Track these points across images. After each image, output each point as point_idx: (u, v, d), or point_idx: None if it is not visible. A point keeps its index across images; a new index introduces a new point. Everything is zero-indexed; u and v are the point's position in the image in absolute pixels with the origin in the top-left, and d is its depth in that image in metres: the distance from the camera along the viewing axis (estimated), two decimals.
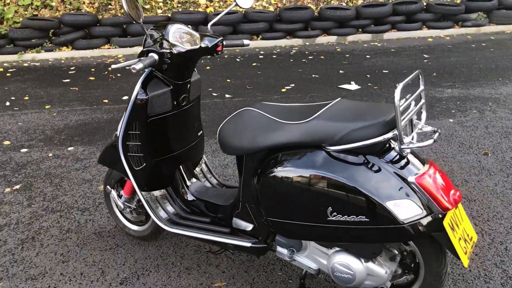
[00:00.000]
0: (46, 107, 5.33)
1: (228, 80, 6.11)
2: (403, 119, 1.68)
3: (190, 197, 2.35)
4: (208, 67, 6.92)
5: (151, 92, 2.10)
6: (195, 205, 2.33)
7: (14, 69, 7.39)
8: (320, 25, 8.54)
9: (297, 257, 2.01)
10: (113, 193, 2.47)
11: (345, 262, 1.84)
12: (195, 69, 2.34)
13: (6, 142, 4.30)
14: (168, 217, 2.29)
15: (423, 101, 1.83)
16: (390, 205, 1.66)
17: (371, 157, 1.73)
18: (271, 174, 1.83)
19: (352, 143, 1.70)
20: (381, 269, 1.82)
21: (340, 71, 6.32)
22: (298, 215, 1.80)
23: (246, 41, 2.42)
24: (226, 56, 7.67)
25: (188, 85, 2.26)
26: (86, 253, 2.57)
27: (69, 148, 4.09)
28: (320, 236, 1.80)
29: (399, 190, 1.67)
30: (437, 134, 1.76)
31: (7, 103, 5.54)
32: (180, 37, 2.10)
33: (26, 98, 5.73)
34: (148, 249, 2.57)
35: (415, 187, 1.67)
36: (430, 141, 1.67)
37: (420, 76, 1.78)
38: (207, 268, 2.40)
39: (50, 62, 7.79)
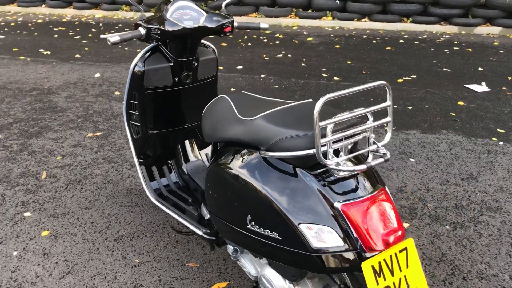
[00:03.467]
0: None
1: (348, 62, 5.83)
2: (348, 137, 1.45)
3: (184, 173, 2.38)
4: (337, 46, 6.68)
5: (149, 66, 2.14)
6: (186, 180, 2.34)
7: None
8: (483, 13, 7.53)
9: (241, 259, 1.91)
10: None
11: (269, 277, 1.69)
12: (212, 48, 2.32)
13: (117, 93, 4.80)
14: (158, 188, 2.35)
15: (388, 118, 1.54)
16: (304, 228, 1.46)
17: (302, 171, 1.53)
18: (212, 167, 1.76)
19: (283, 151, 1.53)
20: None
21: (479, 68, 5.55)
22: (226, 214, 1.70)
23: (263, 24, 2.30)
24: (365, 36, 7.29)
25: (195, 64, 2.24)
26: (107, 205, 2.79)
27: None
28: (242, 243, 1.68)
29: (319, 214, 1.46)
30: (378, 160, 1.48)
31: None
32: (181, 14, 2.08)
33: None
34: (157, 215, 2.68)
35: (339, 215, 1.45)
36: (362, 167, 1.42)
37: (387, 89, 1.50)
38: (194, 247, 2.42)
39: None
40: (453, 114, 4.12)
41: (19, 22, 8.82)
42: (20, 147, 3.57)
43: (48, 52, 6.48)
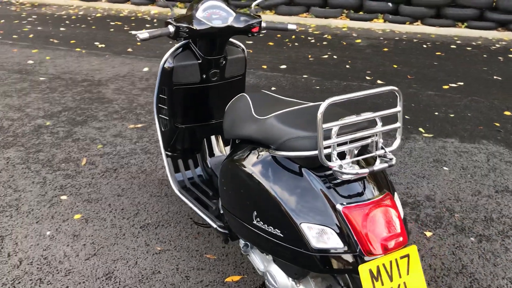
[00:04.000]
0: None
1: (395, 66, 5.74)
2: (354, 140, 1.47)
3: (208, 167, 2.45)
4: (386, 49, 6.58)
5: (178, 62, 2.23)
6: (209, 174, 2.42)
7: None
8: None
9: (251, 254, 1.96)
10: None
11: (274, 273, 1.74)
12: (242, 48, 2.38)
13: None
14: (182, 181, 2.44)
15: (398, 124, 1.54)
16: (305, 227, 1.50)
17: (307, 172, 1.56)
18: (225, 162, 1.82)
19: (291, 151, 1.57)
20: None
21: None
22: (235, 209, 1.76)
23: (291, 26, 2.33)
24: (415, 40, 7.13)
25: (223, 62, 2.31)
26: (138, 194, 2.92)
27: None
28: (249, 238, 1.73)
29: (321, 214, 1.49)
30: (382, 165, 1.48)
31: None
32: (211, 13, 2.15)
33: None
34: (183, 206, 2.78)
35: (340, 217, 1.47)
36: (364, 171, 1.44)
37: (398, 95, 1.50)
38: (213, 239, 2.49)
39: None
40: (497, 124, 3.99)
41: (79, 16, 9.25)
42: (65, 134, 3.77)
43: (103, 45, 6.77)
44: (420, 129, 3.88)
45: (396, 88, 1.46)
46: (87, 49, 6.56)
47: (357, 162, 1.57)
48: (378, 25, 7.94)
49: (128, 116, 4.16)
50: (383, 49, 6.56)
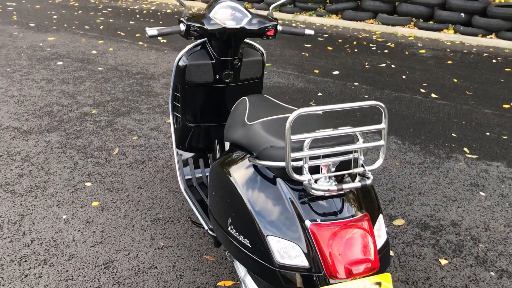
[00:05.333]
0: (267, 64, 5.86)
1: (455, 80, 5.44)
2: (330, 155, 1.40)
3: None
4: (449, 61, 6.25)
5: (191, 61, 2.23)
6: None
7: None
8: None
9: (236, 261, 1.92)
10: None
11: (248, 284, 1.69)
12: (261, 51, 2.34)
13: None
14: (190, 179, 2.44)
15: (382, 142, 1.44)
16: (271, 240, 1.45)
17: (282, 183, 1.51)
18: (213, 165, 1.80)
19: (268, 159, 1.53)
20: None
21: None
22: (216, 213, 1.73)
23: (308, 31, 2.26)
24: (485, 53, 6.71)
25: (239, 64, 2.28)
26: (158, 187, 2.96)
27: None
28: (225, 244, 1.70)
29: (289, 229, 1.43)
30: (352, 184, 1.39)
31: None
32: (226, 14, 2.13)
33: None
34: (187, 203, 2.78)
35: (308, 234, 1.41)
36: (333, 188, 1.36)
37: (382, 111, 1.41)
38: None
39: (313, 27, 8.33)
40: None
41: (151, 11, 9.59)
42: (107, 123, 3.92)
43: (164, 41, 6.97)
44: (465, 149, 3.64)
45: (380, 104, 1.37)
46: (149, 43, 6.77)
47: (337, 178, 1.49)
48: (448, 36, 7.56)
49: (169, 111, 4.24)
50: (446, 62, 6.23)
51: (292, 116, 1.29)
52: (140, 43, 6.79)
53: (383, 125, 1.41)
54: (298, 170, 1.41)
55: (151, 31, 2.01)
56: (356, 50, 6.72)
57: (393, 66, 5.96)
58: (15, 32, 7.11)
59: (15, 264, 2.26)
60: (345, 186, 1.36)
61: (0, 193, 2.84)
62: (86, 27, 7.71)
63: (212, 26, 2.07)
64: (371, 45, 7.07)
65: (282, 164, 1.42)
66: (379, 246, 1.49)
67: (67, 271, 2.23)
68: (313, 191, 1.37)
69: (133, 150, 3.46)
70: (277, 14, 9.04)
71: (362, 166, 1.44)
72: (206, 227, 2.05)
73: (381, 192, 2.97)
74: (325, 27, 8.30)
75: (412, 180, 3.14)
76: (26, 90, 4.64)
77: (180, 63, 2.24)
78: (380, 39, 7.49)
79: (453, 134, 3.90)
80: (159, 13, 9.29)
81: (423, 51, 6.82)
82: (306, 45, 6.87)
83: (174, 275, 2.22)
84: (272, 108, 1.85)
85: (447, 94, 4.91)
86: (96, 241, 2.44)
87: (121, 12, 9.27)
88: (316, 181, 1.43)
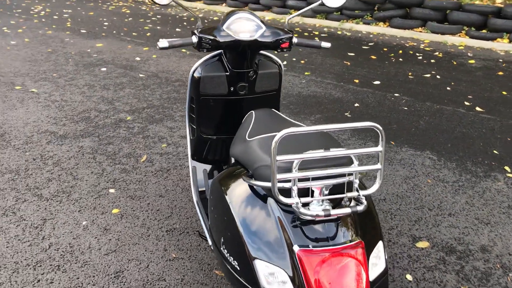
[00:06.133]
0: (306, 73, 5.79)
1: (504, 93, 5.15)
2: (325, 177, 1.33)
3: None
4: (501, 73, 5.93)
5: (206, 72, 2.21)
6: None
7: (324, 34, 8.11)
8: None
9: None
10: None
11: None
12: (279, 64, 2.29)
13: None
14: (204, 191, 2.42)
15: (378, 166, 1.35)
16: (258, 264, 1.39)
17: (274, 205, 1.45)
18: (213, 180, 1.76)
19: (260, 179, 1.47)
20: None
21: None
22: (213, 230, 1.70)
23: (324, 44, 2.18)
24: None
25: (254, 76, 2.24)
26: (179, 197, 2.96)
27: None
28: (218, 264, 1.65)
29: (276, 253, 1.38)
30: (342, 210, 1.31)
31: (284, 62, 6.26)
32: (240, 26, 2.09)
33: (302, 62, 6.32)
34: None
35: (295, 260, 1.34)
36: (320, 213, 1.29)
37: (380, 133, 1.32)
38: None
39: (359, 34, 8.16)
40: None
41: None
42: (139, 130, 3.98)
43: None
44: (506, 167, 3.42)
45: (376, 125, 1.28)
46: (192, 50, 6.86)
47: (334, 202, 1.42)
48: (502, 45, 7.18)
49: None
50: (497, 73, 5.91)
51: (278, 136, 1.23)
52: (183, 50, 6.88)
53: (380, 148, 1.32)
54: (289, 192, 1.35)
55: (162, 42, 2.00)
56: (401, 59, 6.52)
57: (438, 76, 5.72)
58: (66, 38, 7.40)
59: (30, 269, 2.31)
60: (333, 212, 1.29)
61: (28, 197, 2.93)
62: (133, 33, 7.92)
63: (225, 38, 2.03)
64: (417, 54, 6.83)
65: (266, 184, 1.36)
66: (374, 275, 1.40)
67: (78, 278, 2.25)
68: (301, 215, 1.30)
69: (160, 157, 3.49)
70: (323, 22, 8.93)
71: (357, 190, 1.36)
72: (210, 242, 2.02)
73: (408, 211, 2.83)
74: (371, 35, 8.11)
75: (443, 200, 2.97)
76: (68, 95, 4.80)
77: (195, 74, 2.22)
78: (427, 48, 7.23)
79: (494, 151, 3.68)
80: (206, 21, 9.41)
81: (472, 61, 6.51)
82: (349, 54, 6.74)
83: None
84: (276, 124, 1.79)
85: (493, 108, 4.65)
86: (110, 249, 2.46)
87: (170, 19, 9.46)
88: (307, 204, 1.36)
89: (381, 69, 6.00)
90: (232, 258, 1.48)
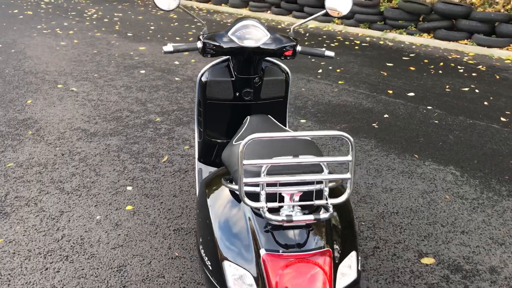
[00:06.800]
0: (339, 82, 5.76)
1: None
2: (294, 183, 1.36)
3: None
4: None
5: (212, 77, 2.27)
6: None
7: (366, 44, 8.03)
8: None
9: None
10: None
11: None
12: (286, 71, 2.32)
13: None
14: None
15: (348, 175, 1.36)
16: (227, 265, 1.43)
17: (247, 208, 1.48)
18: (201, 182, 1.81)
19: (235, 183, 1.51)
20: None
21: None
22: (196, 230, 1.74)
23: (328, 52, 2.19)
24: None
25: (259, 82, 2.28)
26: (191, 198, 3.03)
27: (302, 121, 4.47)
28: (199, 263, 1.70)
29: (244, 256, 1.41)
30: (304, 217, 1.32)
31: (319, 70, 6.25)
32: (245, 33, 2.14)
33: (338, 70, 6.29)
34: None
35: (261, 263, 1.37)
36: (281, 219, 1.31)
37: (349, 143, 1.33)
38: None
39: (401, 45, 8.02)
40: None
41: None
42: (165, 131, 4.09)
43: None
44: None
45: (345, 134, 1.29)
46: None
47: (310, 208, 1.44)
48: None
49: None
50: None
51: (245, 140, 1.26)
52: None
53: (349, 157, 1.32)
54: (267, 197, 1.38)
55: (167, 47, 2.07)
56: (440, 71, 6.36)
57: (477, 90, 5.54)
58: (112, 41, 7.70)
59: (40, 257, 2.44)
60: (295, 218, 1.30)
61: (51, 189, 3.09)
62: (177, 38, 8.13)
63: (228, 44, 2.09)
64: (459, 67, 6.64)
65: (235, 187, 1.39)
66: (342, 285, 1.40)
67: (82, 269, 2.36)
68: (266, 219, 1.33)
69: (181, 159, 3.58)
70: (366, 31, 8.84)
71: (326, 198, 1.37)
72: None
73: (419, 226, 2.77)
74: (413, 46, 7.95)
75: (458, 217, 2.89)
76: (105, 95, 5.00)
77: (202, 78, 2.28)
78: (471, 61, 7.01)
79: None
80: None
81: None
82: (387, 64, 6.64)
83: (178, 287, 2.25)
84: (266, 130, 1.82)
85: None
86: (118, 244, 2.55)
87: (214, 25, 9.64)
88: (279, 209, 1.39)
89: (418, 80, 5.88)
90: (207, 259, 1.52)
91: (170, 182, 3.22)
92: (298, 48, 2.16)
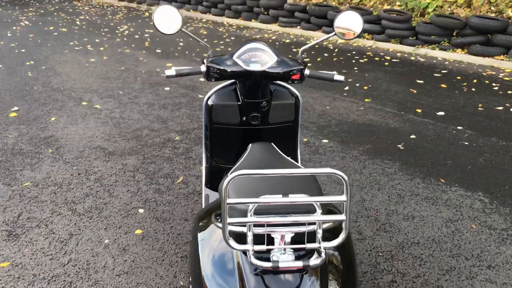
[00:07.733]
0: (366, 100, 5.61)
1: None
2: (285, 224, 1.25)
3: None
4: None
5: (218, 101, 2.20)
6: None
7: (396, 60, 7.83)
8: None
9: None
10: None
11: None
12: (296, 95, 2.22)
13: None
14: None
15: (343, 217, 1.24)
16: None
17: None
18: (198, 212, 1.72)
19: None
20: None
21: None
22: (188, 264, 1.65)
23: (337, 76, 2.08)
24: None
25: (267, 106, 2.19)
26: None
27: (324, 142, 4.34)
28: None
29: None
30: (292, 263, 1.21)
31: (346, 87, 6.11)
32: (251, 56, 2.06)
33: (365, 88, 6.13)
34: None
35: None
36: (268, 265, 1.21)
37: (344, 182, 1.21)
38: None
39: (433, 61, 7.78)
40: None
41: (270, 40, 9.82)
42: (183, 151, 4.04)
43: None
44: None
45: (339, 173, 1.18)
46: None
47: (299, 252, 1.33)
48: None
49: None
50: None
51: (227, 179, 1.17)
52: None
53: (344, 197, 1.21)
54: (256, 238, 1.27)
55: (169, 71, 2.01)
56: (473, 89, 6.11)
57: None
58: (141, 57, 7.78)
59: (44, 283, 2.39)
60: (282, 264, 1.19)
61: (63, 210, 3.06)
62: (204, 55, 8.14)
63: (233, 68, 2.01)
64: (493, 84, 6.37)
65: (232, 228, 1.29)
66: None
67: None
68: (252, 264, 1.22)
69: (196, 180, 3.50)
70: (397, 46, 8.63)
71: (319, 241, 1.25)
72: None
73: (441, 259, 2.59)
74: (446, 62, 7.70)
75: (485, 249, 2.69)
76: (127, 113, 5.01)
77: (208, 102, 2.21)
78: (506, 78, 6.71)
79: None
80: (277, 43, 9.47)
81: None
82: (418, 81, 6.44)
83: None
84: (265, 161, 1.72)
85: None
86: (123, 271, 2.48)
87: (243, 41, 9.63)
88: (269, 251, 1.28)
89: (449, 99, 5.65)
90: None
91: (183, 205, 3.15)
92: (306, 71, 2.06)
